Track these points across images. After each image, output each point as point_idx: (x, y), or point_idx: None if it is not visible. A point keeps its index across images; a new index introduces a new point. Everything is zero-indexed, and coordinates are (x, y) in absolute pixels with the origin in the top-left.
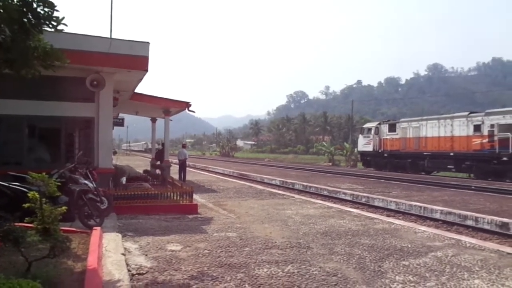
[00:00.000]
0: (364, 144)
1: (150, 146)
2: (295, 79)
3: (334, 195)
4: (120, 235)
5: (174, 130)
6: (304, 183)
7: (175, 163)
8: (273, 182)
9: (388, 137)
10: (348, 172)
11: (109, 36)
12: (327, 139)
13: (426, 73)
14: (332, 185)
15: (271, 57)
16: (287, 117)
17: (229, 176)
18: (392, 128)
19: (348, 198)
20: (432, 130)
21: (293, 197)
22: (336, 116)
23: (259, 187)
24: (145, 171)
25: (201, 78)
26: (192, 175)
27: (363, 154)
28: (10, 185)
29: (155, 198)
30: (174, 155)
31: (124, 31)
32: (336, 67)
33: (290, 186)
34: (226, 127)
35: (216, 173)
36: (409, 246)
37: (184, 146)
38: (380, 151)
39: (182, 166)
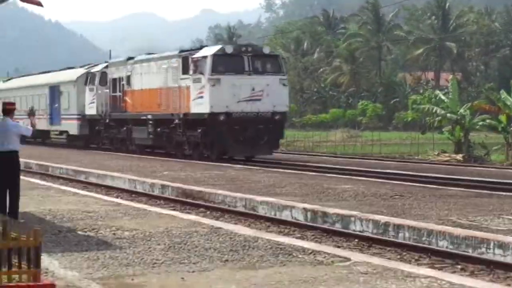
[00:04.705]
0: None
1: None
2: None
3: (470, 252)
4: None
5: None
6: (379, 217)
7: None
8: (284, 214)
9: None
10: None
11: None
12: (447, 79)
13: None
14: (466, 221)
15: None
16: (326, 13)
17: (151, 198)
18: None
19: None
20: None
21: (346, 259)
22: (474, 9)
23: (242, 230)
24: None
25: None
26: (38, 197)
27: None
28: None
29: None
30: None
31: None
32: None
33: (337, 227)
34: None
35: (111, 190)
36: None
37: (9, 110)
38: None
39: (10, 171)
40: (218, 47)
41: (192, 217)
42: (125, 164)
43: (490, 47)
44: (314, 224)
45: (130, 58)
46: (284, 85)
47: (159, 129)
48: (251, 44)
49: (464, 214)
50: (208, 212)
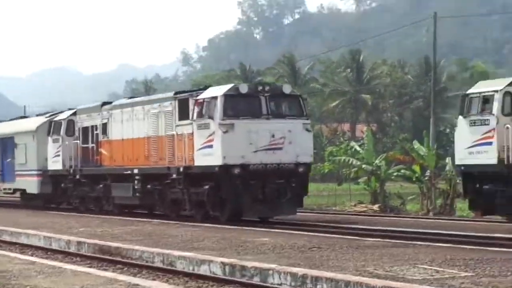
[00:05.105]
0: (473, 145)
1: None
2: None
3: None
4: None
5: None
6: (297, 270)
7: None
8: (203, 268)
9: None
10: (429, 232)
11: None
12: (363, 130)
13: None
14: (383, 271)
15: None
16: (243, 66)
17: (67, 255)
18: None
19: None
20: None
21: None
22: (387, 62)
23: (160, 286)
24: None
25: None
26: None
27: (470, 175)
28: None
29: None
30: None
31: None
32: None
33: (255, 280)
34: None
35: (26, 248)
36: None
37: None
38: None
39: None
40: (229, 86)
41: (109, 274)
42: (41, 221)
43: (403, 98)
44: (233, 278)
45: (105, 103)
46: (307, 130)
47: (149, 186)
48: (268, 83)
49: (381, 264)
50: (126, 269)
